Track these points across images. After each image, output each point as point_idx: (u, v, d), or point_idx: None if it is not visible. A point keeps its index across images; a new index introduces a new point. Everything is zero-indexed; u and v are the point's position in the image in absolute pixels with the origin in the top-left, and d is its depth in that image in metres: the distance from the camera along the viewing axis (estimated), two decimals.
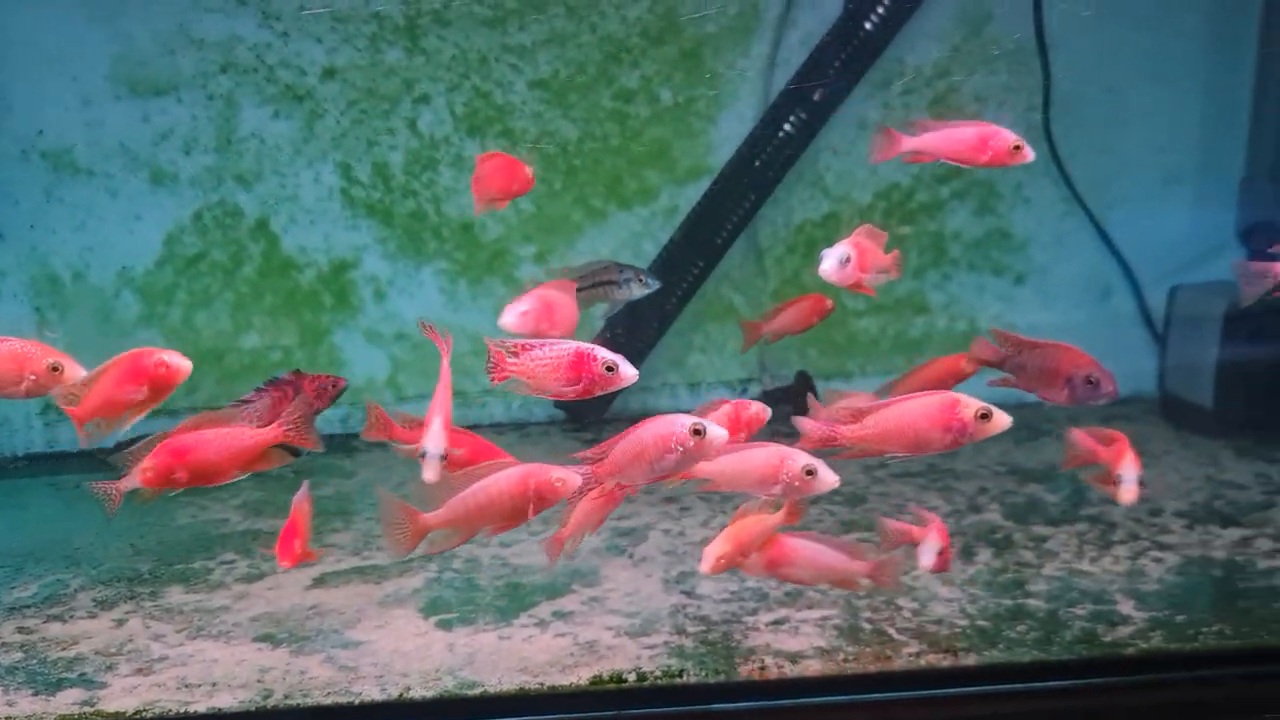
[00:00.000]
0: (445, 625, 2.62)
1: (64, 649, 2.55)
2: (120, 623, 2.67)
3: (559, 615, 2.64)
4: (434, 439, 2.21)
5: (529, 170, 2.58)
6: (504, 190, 2.59)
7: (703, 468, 2.26)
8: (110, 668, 2.46)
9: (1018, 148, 2.41)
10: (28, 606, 2.76)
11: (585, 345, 2.11)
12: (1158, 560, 2.84)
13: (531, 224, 3.85)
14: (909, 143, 2.49)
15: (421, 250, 3.85)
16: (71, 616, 2.71)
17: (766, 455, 2.20)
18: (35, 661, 2.49)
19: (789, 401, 3.57)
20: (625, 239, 3.88)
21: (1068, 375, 2.36)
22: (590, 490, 2.15)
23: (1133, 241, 3.86)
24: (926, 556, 2.36)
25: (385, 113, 3.75)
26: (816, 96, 3.65)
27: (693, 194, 3.81)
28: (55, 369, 2.23)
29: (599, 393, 2.13)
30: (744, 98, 3.79)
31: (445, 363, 2.28)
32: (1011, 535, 3.01)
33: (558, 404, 3.96)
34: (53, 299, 3.70)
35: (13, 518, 3.37)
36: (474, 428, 3.93)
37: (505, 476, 2.17)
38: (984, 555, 2.89)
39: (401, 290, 3.88)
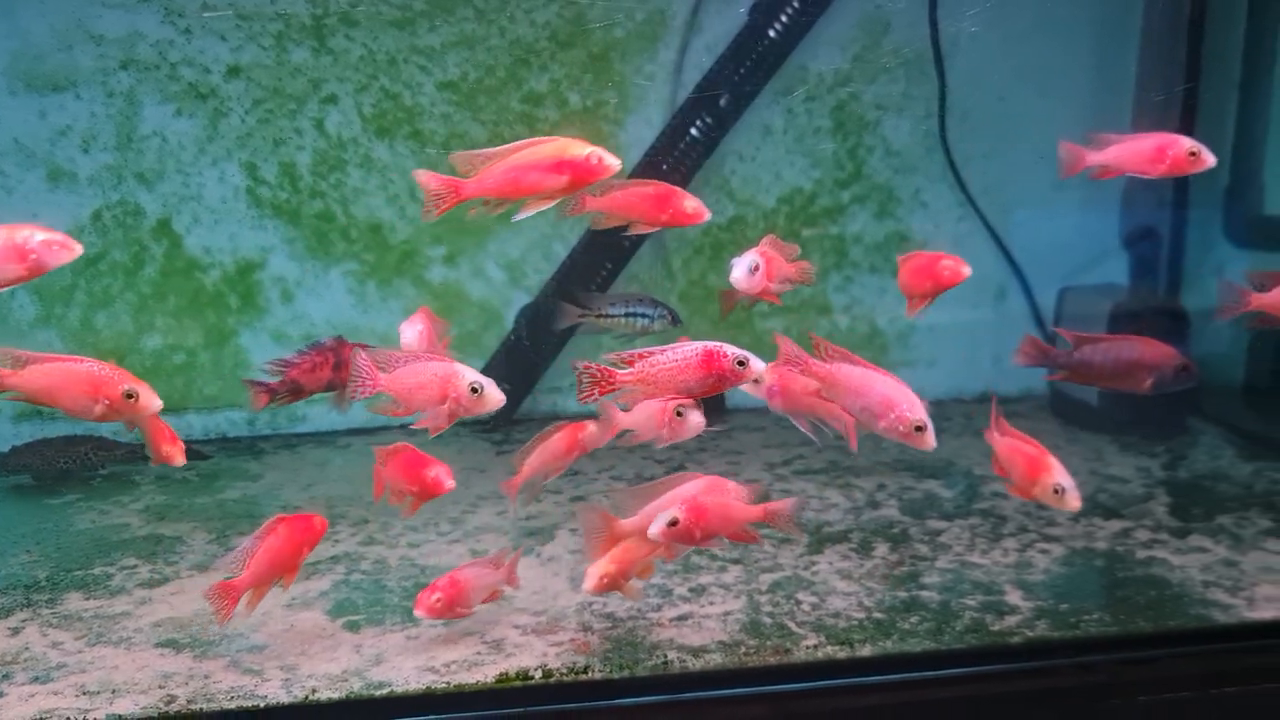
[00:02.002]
0: (352, 627, 2.63)
1: None
2: (16, 631, 2.62)
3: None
4: (471, 373, 2.32)
5: (688, 203, 2.49)
6: (652, 220, 2.54)
7: (624, 420, 2.41)
8: (6, 677, 2.42)
9: (1194, 154, 2.50)
10: None
11: (712, 343, 2.17)
12: (1044, 552, 2.97)
13: (441, 225, 3.84)
14: (1093, 157, 2.58)
15: (330, 251, 3.83)
16: None
17: (657, 405, 2.38)
18: None
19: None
20: (535, 240, 3.91)
21: (1156, 366, 2.52)
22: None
23: (1024, 245, 4.01)
24: None
25: (292, 112, 3.72)
26: (722, 102, 3.73)
27: None
28: (130, 396, 2.22)
29: (726, 389, 2.19)
30: (651, 102, 3.85)
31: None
32: (908, 530, 3.11)
33: None
34: None
35: None
36: (383, 430, 3.98)
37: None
38: (881, 549, 2.99)
39: (310, 291, 3.85)
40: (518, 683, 2.37)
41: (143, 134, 3.64)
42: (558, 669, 2.41)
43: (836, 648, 2.50)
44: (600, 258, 3.83)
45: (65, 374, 2.24)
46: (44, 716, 2.27)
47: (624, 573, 2.44)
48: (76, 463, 3.50)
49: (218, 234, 3.76)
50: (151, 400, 2.23)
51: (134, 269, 3.72)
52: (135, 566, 2.96)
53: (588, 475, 3.52)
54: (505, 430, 3.93)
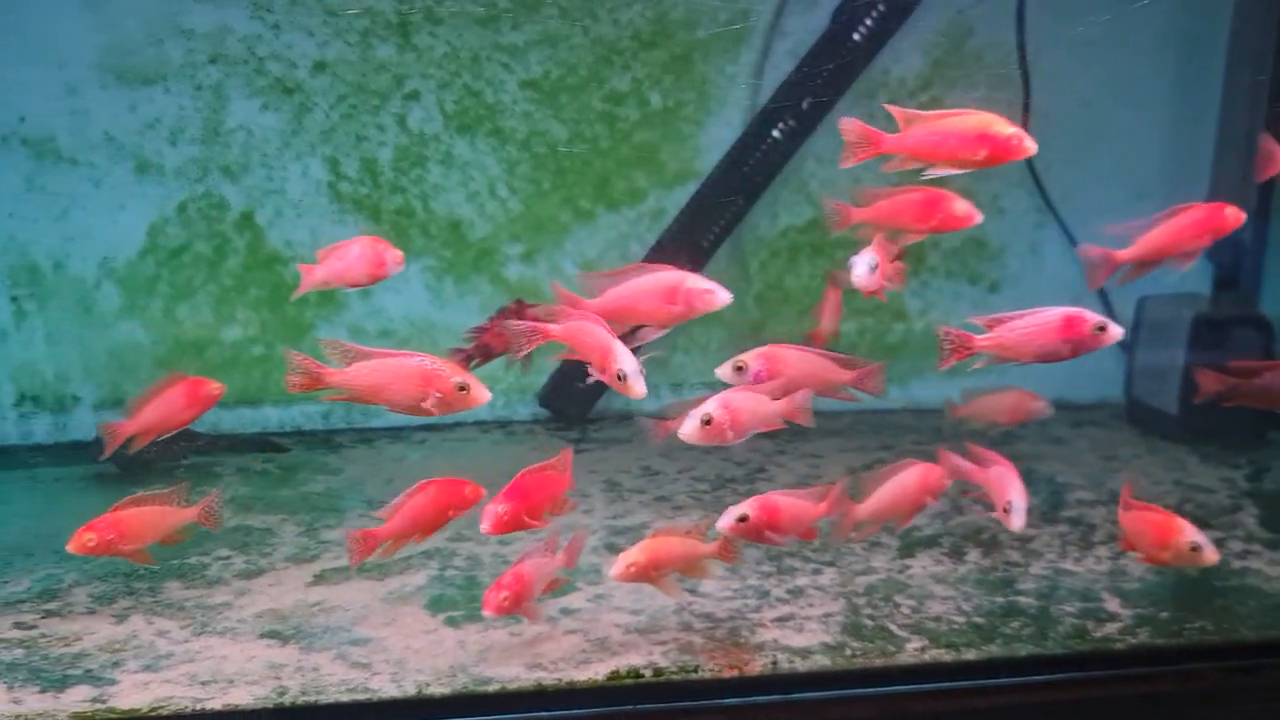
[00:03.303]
0: (453, 622, 2.64)
1: (66, 645, 2.51)
2: (121, 619, 2.64)
3: (566, 612, 2.67)
4: (624, 358, 2.24)
5: (959, 206, 2.49)
6: (921, 226, 2.54)
7: None
8: (117, 664, 2.44)
9: None
10: (22, 602, 2.71)
11: (1072, 309, 2.26)
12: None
13: (519, 223, 3.87)
14: None
15: (408, 247, 3.83)
16: (70, 612, 2.67)
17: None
18: (38, 658, 2.45)
19: None
20: (612, 240, 3.92)
21: None
22: None
23: None
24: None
25: (375, 108, 3.74)
26: (805, 105, 3.73)
27: (680, 197, 3.87)
28: (462, 388, 2.23)
29: (1085, 352, 2.27)
30: (732, 104, 3.85)
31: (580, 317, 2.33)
32: (997, 536, 3.11)
33: (542, 403, 3.99)
34: (31, 289, 3.63)
35: None
36: (457, 426, 4.00)
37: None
38: (973, 555, 2.99)
39: (387, 286, 3.83)
40: (629, 680, 2.38)
41: (229, 127, 3.67)
42: (667, 667, 2.41)
43: (942, 651, 2.50)
44: (679, 259, 3.82)
45: (395, 370, 2.25)
46: (160, 705, 2.28)
47: (654, 564, 2.44)
48: (160, 453, 3.51)
49: (299, 228, 3.78)
50: (482, 392, 2.25)
51: (216, 261, 3.74)
52: (229, 557, 2.98)
53: (668, 475, 3.54)
54: (581, 429, 3.93)
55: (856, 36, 3.69)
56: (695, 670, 2.40)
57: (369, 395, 2.29)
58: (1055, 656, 2.51)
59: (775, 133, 3.73)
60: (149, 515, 2.59)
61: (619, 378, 2.23)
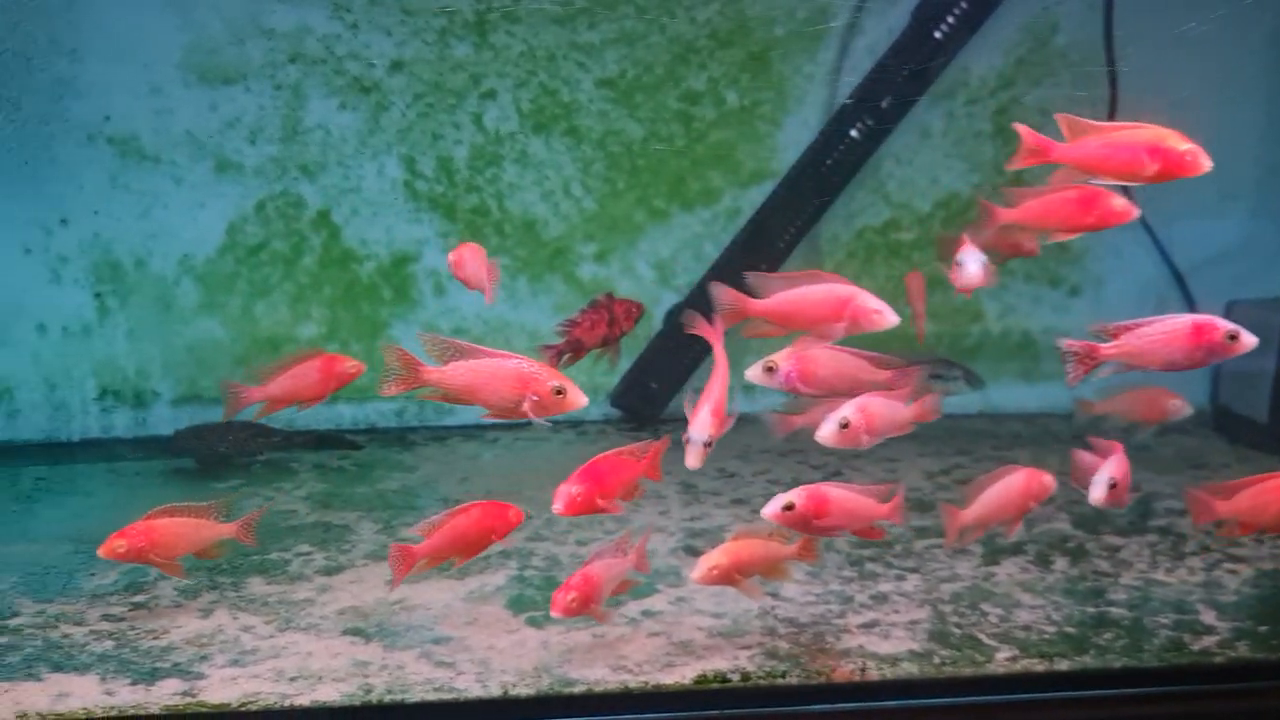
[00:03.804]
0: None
1: (154, 638, 2.53)
2: (206, 613, 2.66)
3: (648, 614, 2.65)
4: (699, 426, 2.27)
5: (1117, 202, 2.40)
6: (1076, 225, 2.46)
7: None
8: (204, 658, 2.45)
9: None
10: (111, 594, 2.74)
11: (1201, 315, 2.19)
12: (1232, 572, 2.88)
13: (594, 223, 3.86)
14: None
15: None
16: (156, 605, 2.69)
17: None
18: (128, 650, 2.47)
19: None
20: (686, 240, 3.89)
21: None
22: None
23: (1188, 255, 3.90)
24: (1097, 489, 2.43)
25: (451, 107, 3.75)
26: (884, 104, 3.68)
27: (755, 196, 3.84)
28: (559, 392, 2.22)
29: (1215, 361, 2.21)
30: (809, 103, 3.81)
31: (719, 351, 2.33)
32: (1084, 544, 3.04)
33: (615, 403, 3.97)
34: (114, 285, 3.68)
35: (78, 504, 3.35)
36: (530, 424, 3.98)
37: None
38: (1060, 564, 2.93)
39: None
40: (716, 685, 2.35)
41: (307, 126, 3.70)
42: (754, 672, 2.38)
43: (1034, 661, 2.44)
44: (754, 259, 3.80)
45: (493, 371, 2.23)
46: (249, 700, 2.29)
47: (736, 566, 2.40)
48: (236, 448, 3.55)
49: (375, 226, 3.80)
50: (579, 397, 2.24)
51: (293, 259, 3.77)
52: (310, 553, 2.99)
53: (744, 478, 3.50)
54: (653, 428, 3.91)
55: (938, 34, 3.63)
56: (783, 676, 2.37)
57: (464, 395, 2.27)
58: (1153, 669, 2.44)
59: (853, 132, 3.68)
60: (183, 527, 2.58)
61: (685, 439, 2.28)
